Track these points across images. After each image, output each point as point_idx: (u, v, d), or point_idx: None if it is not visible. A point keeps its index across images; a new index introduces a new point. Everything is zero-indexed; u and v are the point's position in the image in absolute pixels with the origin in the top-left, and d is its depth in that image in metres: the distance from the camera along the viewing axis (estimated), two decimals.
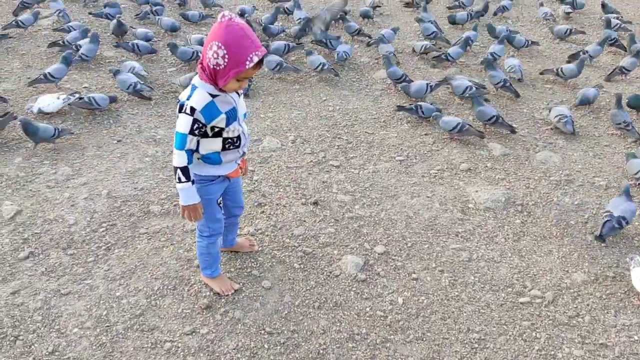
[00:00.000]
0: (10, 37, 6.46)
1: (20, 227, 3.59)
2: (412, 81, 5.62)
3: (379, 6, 8.33)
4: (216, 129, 2.60)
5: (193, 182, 2.65)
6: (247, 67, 2.43)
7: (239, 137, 2.70)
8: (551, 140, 4.98)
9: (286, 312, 3.04)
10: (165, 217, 3.75)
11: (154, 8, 7.19)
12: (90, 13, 7.27)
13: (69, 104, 4.92)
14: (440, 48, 6.82)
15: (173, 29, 6.80)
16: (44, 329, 2.87)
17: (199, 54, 5.81)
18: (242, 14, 7.23)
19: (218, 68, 2.46)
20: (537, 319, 3.10)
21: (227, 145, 2.67)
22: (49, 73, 5.23)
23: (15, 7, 7.20)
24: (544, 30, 7.86)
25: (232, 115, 2.61)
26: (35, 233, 3.55)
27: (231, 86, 2.53)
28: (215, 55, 2.43)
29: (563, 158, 4.70)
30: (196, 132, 2.54)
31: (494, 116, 4.92)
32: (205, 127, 2.57)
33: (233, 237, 3.36)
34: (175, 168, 2.61)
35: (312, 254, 3.48)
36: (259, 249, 3.47)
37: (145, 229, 3.64)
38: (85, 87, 5.52)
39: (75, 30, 6.33)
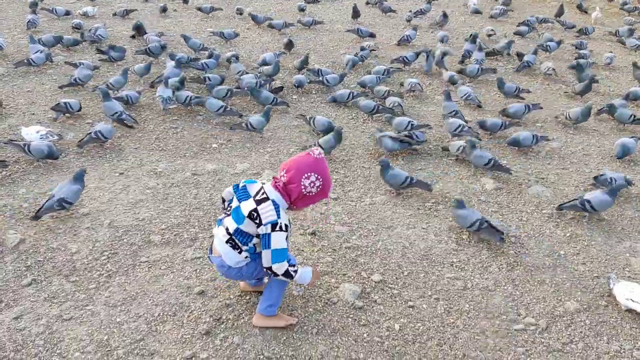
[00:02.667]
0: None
1: (24, 255, 3.65)
2: (396, 115, 5.87)
3: (375, 50, 8.58)
4: None
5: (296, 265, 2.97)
6: (328, 196, 2.93)
7: None
8: (543, 176, 5.11)
9: (285, 337, 3.09)
10: (166, 247, 3.82)
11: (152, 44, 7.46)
12: (97, 50, 7.52)
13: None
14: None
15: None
16: (46, 353, 2.91)
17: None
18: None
19: (308, 195, 2.84)
20: (531, 345, 3.16)
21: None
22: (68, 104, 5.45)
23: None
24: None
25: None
26: (38, 261, 3.61)
27: (305, 208, 2.97)
28: (312, 185, 2.82)
29: (555, 192, 4.82)
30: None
31: (461, 146, 5.23)
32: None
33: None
34: (285, 272, 2.88)
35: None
36: None
37: (146, 257, 3.70)
38: (88, 123, 5.65)
39: (84, 65, 6.55)
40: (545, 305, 3.48)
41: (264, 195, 2.83)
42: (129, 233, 3.94)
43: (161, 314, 3.21)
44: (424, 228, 4.22)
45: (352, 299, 3.41)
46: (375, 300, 3.43)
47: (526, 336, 3.22)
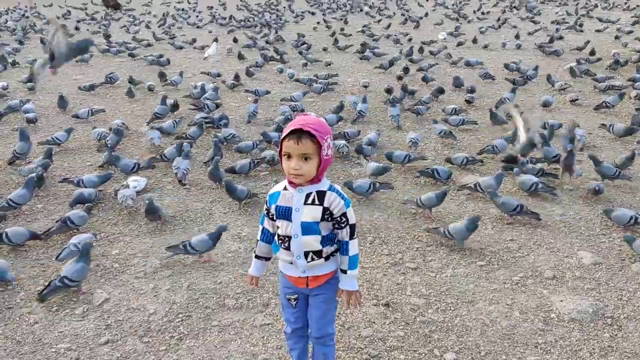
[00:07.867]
0: None
1: (106, 314, 3.84)
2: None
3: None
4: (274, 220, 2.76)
5: (257, 257, 2.92)
6: (280, 138, 2.63)
7: (288, 240, 2.67)
8: None
9: None
10: (238, 311, 3.85)
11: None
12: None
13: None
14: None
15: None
16: None
17: None
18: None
19: None
20: None
21: (279, 241, 2.73)
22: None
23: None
24: None
25: (281, 212, 2.66)
26: (118, 320, 3.77)
27: (285, 167, 2.60)
28: None
29: None
30: (265, 212, 2.79)
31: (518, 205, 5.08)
32: (269, 210, 2.74)
33: None
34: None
35: (377, 356, 3.39)
36: None
37: (217, 321, 3.75)
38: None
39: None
40: None
41: None
42: (206, 296, 4.03)
43: None
44: (508, 304, 3.93)
45: None
46: None
47: None
